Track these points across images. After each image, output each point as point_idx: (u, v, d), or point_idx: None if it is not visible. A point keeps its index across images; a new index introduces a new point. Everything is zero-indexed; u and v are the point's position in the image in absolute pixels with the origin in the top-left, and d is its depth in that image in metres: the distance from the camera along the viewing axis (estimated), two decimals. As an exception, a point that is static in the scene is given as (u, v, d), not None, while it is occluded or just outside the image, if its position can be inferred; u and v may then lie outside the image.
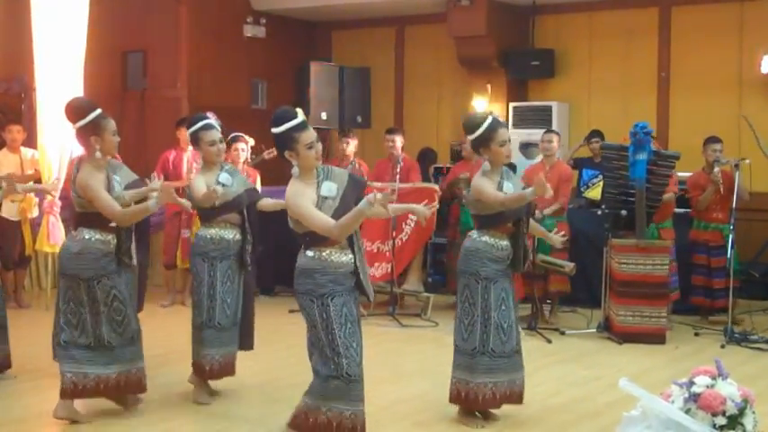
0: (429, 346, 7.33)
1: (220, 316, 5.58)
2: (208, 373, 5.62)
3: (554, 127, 9.94)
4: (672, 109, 10.73)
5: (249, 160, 8.68)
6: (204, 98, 11.02)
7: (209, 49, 11.34)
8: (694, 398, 3.60)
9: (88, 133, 5.10)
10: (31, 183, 8.57)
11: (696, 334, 7.89)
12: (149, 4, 11.27)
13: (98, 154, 5.11)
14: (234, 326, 5.69)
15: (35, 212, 8.70)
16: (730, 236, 7.57)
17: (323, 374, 4.31)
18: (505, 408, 5.26)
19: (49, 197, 8.07)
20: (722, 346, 7.30)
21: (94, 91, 8.64)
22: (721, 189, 8.01)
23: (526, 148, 10.69)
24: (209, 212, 5.61)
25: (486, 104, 11.20)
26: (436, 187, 8.68)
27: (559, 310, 8.55)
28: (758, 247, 9.28)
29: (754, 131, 8.56)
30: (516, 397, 5.22)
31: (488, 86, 11.31)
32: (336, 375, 4.27)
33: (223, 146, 5.77)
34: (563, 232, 5.73)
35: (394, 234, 8.56)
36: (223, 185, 5.52)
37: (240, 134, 8.35)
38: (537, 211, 7.49)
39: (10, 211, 8.54)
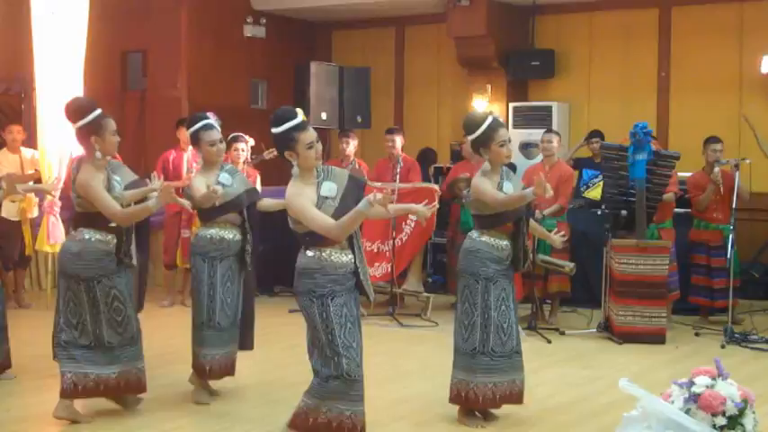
0: (429, 346, 7.32)
1: (220, 316, 5.57)
2: (208, 373, 5.62)
3: (554, 127, 9.94)
4: (672, 109, 10.74)
5: (249, 160, 8.68)
6: (204, 98, 11.01)
7: (209, 49, 11.34)
8: (694, 398, 3.60)
9: (88, 133, 5.09)
10: (31, 183, 8.58)
11: (696, 334, 7.89)
12: (149, 4, 11.27)
13: (98, 154, 5.10)
14: (234, 326, 5.68)
15: (35, 212, 8.70)
16: (730, 236, 7.57)
17: (323, 374, 4.31)
18: (505, 408, 5.26)
19: (48, 197, 8.07)
20: (722, 347, 7.30)
21: (94, 91, 8.63)
22: (721, 189, 8.01)
23: (526, 148, 10.69)
24: (209, 212, 5.60)
25: (486, 105, 11.20)
26: (436, 187, 8.66)
27: (559, 311, 8.55)
28: (759, 247, 9.28)
29: (754, 130, 8.56)
30: (516, 397, 5.22)
31: (488, 87, 11.30)
32: (336, 375, 4.27)
33: (223, 146, 5.76)
34: (563, 232, 5.72)
35: (394, 234, 8.56)
36: (223, 185, 5.51)
37: (240, 134, 8.36)
38: (537, 212, 7.51)
39: (10, 212, 8.54)
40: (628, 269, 7.53)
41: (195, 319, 5.64)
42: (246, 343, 5.87)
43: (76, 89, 8.02)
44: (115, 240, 5.17)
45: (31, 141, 8.89)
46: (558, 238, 5.59)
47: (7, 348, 6.17)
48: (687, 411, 3.60)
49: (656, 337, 7.46)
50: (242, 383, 5.89)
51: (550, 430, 5.23)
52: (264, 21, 11.91)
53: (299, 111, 4.41)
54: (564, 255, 7.91)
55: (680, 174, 8.27)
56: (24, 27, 8.45)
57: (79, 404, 5.25)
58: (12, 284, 8.81)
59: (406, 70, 12.48)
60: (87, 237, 5.12)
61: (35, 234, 8.53)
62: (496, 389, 5.12)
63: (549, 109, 10.91)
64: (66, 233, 8.00)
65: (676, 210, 8.32)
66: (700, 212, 8.28)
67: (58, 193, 7.97)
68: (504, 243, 5.18)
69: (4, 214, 8.52)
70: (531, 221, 5.49)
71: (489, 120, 5.16)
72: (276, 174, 8.40)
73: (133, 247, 5.31)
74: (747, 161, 8.12)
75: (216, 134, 5.67)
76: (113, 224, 5.11)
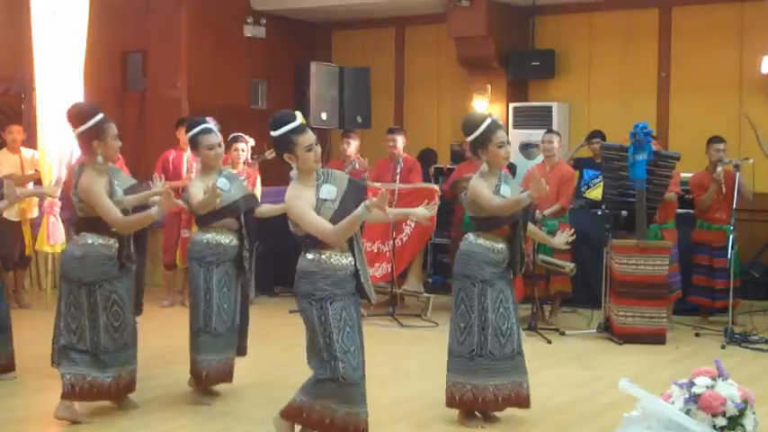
0: (429, 346, 7.32)
1: (217, 322, 5.54)
2: (205, 379, 5.57)
3: (554, 127, 9.93)
4: (672, 109, 10.73)
5: (249, 160, 8.68)
6: (204, 98, 11.01)
7: (209, 49, 11.33)
8: (694, 398, 3.60)
9: (90, 138, 5.10)
10: (31, 184, 8.58)
11: (696, 334, 7.89)
12: (149, 4, 11.27)
13: (100, 159, 5.11)
14: (231, 332, 5.65)
15: (35, 212, 8.70)
16: (731, 236, 7.56)
17: (319, 376, 4.33)
18: (506, 409, 5.25)
19: (49, 198, 8.07)
20: (722, 347, 7.30)
21: (94, 91, 8.64)
22: (723, 189, 8.01)
23: (526, 148, 10.68)
24: (206, 217, 5.58)
25: (486, 105, 11.19)
26: (436, 187, 8.68)
27: (559, 311, 8.54)
28: (759, 247, 9.27)
29: (755, 129, 8.54)
30: (522, 401, 5.18)
31: (489, 87, 11.30)
32: (332, 378, 4.29)
33: (221, 150, 5.76)
34: (571, 231, 5.69)
35: (394, 234, 8.56)
36: (221, 191, 5.49)
37: (240, 134, 8.36)
38: (537, 212, 7.50)
39: (10, 212, 8.52)
40: (628, 269, 7.52)
41: (192, 325, 5.61)
42: (240, 349, 5.83)
43: (76, 89, 8.02)
44: (117, 245, 5.18)
45: (31, 141, 8.89)
46: (561, 239, 5.58)
47: (11, 350, 6.17)
48: (687, 412, 3.59)
49: (657, 338, 7.46)
50: (242, 383, 5.89)
51: (551, 430, 5.22)
52: (264, 21, 11.90)
53: (298, 114, 4.42)
54: (564, 255, 7.91)
55: (682, 174, 8.27)
56: (24, 27, 8.45)
57: (79, 404, 5.24)
58: (12, 284, 8.80)
59: (406, 70, 12.48)
60: (90, 241, 5.13)
61: (35, 234, 8.53)
62: (498, 391, 5.10)
63: (549, 109, 10.90)
64: (66, 234, 8.03)
65: (679, 210, 8.31)
66: (702, 213, 8.28)
67: (58, 194, 7.96)
68: (501, 246, 5.16)
69: (4, 214, 8.52)
70: (531, 226, 5.49)
71: (488, 121, 5.15)
72: (276, 174, 8.40)
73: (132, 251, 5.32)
74: (750, 161, 8.13)
75: (214, 138, 5.66)
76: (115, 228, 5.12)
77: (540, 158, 9.04)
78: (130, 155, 9.49)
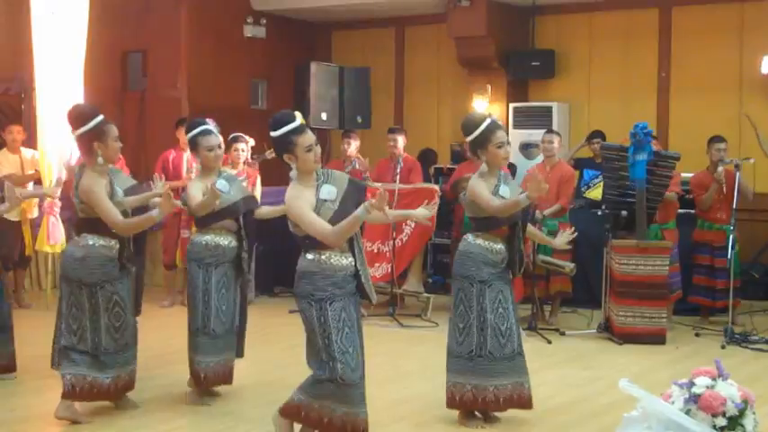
0: (429, 346, 7.31)
1: (215, 323, 5.52)
2: (203, 380, 5.55)
3: (554, 127, 9.93)
4: (672, 109, 10.73)
5: (249, 160, 8.68)
6: (204, 98, 11.01)
7: (209, 49, 11.33)
8: (694, 399, 3.60)
9: (91, 139, 5.11)
10: (31, 184, 8.58)
11: (696, 334, 7.89)
12: (149, 4, 11.27)
13: (100, 160, 5.11)
14: (230, 334, 5.64)
15: (35, 213, 8.70)
16: (731, 236, 7.56)
17: (317, 376, 4.34)
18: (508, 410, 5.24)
19: (49, 198, 8.07)
20: (723, 347, 7.29)
21: (94, 91, 8.64)
22: (724, 188, 8.00)
23: (526, 148, 10.68)
24: (205, 218, 5.57)
25: (486, 105, 11.19)
26: (436, 187, 8.68)
27: (560, 311, 8.54)
28: (759, 248, 9.27)
29: (755, 128, 8.53)
30: (525, 402, 5.17)
31: (489, 87, 11.30)
32: (330, 379, 4.29)
33: (221, 151, 5.75)
34: (572, 229, 5.67)
35: (394, 235, 8.56)
36: (220, 192, 5.47)
37: (240, 134, 8.35)
38: (537, 212, 7.49)
39: (10, 212, 8.53)
40: (628, 270, 7.52)
41: (190, 326, 5.59)
42: (237, 351, 5.82)
43: (76, 89, 8.01)
44: (118, 246, 5.19)
45: (31, 141, 8.89)
46: (562, 239, 5.56)
47: (12, 350, 6.17)
48: (687, 412, 3.59)
49: (657, 338, 7.45)
50: (242, 383, 5.88)
51: (551, 431, 5.22)
52: (264, 21, 11.90)
53: (298, 114, 4.42)
54: (564, 255, 7.91)
55: (683, 174, 8.27)
56: (24, 27, 8.44)
57: (79, 404, 5.25)
58: (12, 284, 8.80)
59: (406, 70, 12.47)
60: (91, 242, 5.14)
61: (35, 234, 8.52)
62: (499, 392, 5.09)
63: (549, 109, 10.90)
64: (66, 234, 8.03)
65: (680, 210, 8.31)
66: (703, 213, 8.28)
67: (58, 194, 7.96)
68: (499, 246, 5.15)
69: (4, 214, 8.51)
70: (531, 227, 5.48)
71: (487, 121, 5.15)
72: (276, 174, 8.40)
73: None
74: (751, 161, 8.13)
75: (214, 140, 5.66)
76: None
77: (540, 158, 9.04)
78: (130, 155, 9.48)
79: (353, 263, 4.39)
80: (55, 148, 8.18)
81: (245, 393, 5.83)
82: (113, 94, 11.29)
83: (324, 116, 10.59)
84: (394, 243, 8.55)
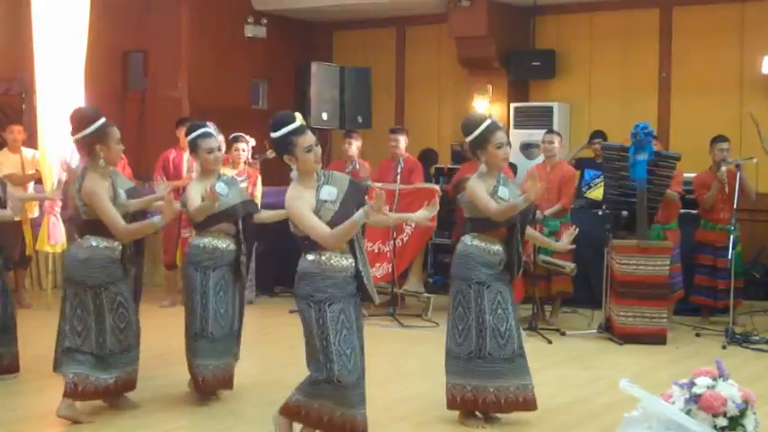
0: (430, 346, 7.31)
1: (213, 326, 5.49)
2: (201, 384, 5.52)
3: (555, 127, 9.93)
4: (672, 109, 10.72)
5: (250, 160, 8.68)
6: (205, 98, 11.02)
7: (209, 49, 11.33)
8: (695, 399, 3.60)
9: (93, 142, 5.13)
10: (32, 184, 8.58)
11: (697, 335, 7.88)
12: (150, 4, 11.27)
13: (102, 162, 5.12)
14: (229, 337, 5.60)
15: (36, 212, 8.70)
16: (731, 236, 7.55)
17: (314, 377, 4.35)
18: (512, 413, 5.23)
19: (46, 188, 8.06)
20: (723, 347, 7.29)
21: (95, 91, 8.64)
22: (726, 188, 7.99)
23: (527, 148, 10.68)
24: (203, 221, 5.54)
25: (487, 105, 11.20)
26: (437, 188, 8.67)
27: (560, 311, 8.54)
28: (758, 248, 9.26)
29: (757, 126, 8.51)
30: (530, 404, 5.14)
31: (489, 87, 11.30)
32: (327, 380, 4.30)
33: (221, 154, 5.75)
34: (573, 228, 5.65)
35: (395, 235, 8.55)
36: (219, 195, 5.45)
37: (241, 134, 8.35)
38: (538, 212, 7.49)
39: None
40: (628, 270, 7.52)
41: (188, 330, 5.57)
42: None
43: (77, 89, 8.02)
44: (121, 247, 5.19)
45: (31, 141, 8.90)
46: (564, 242, 5.54)
47: (16, 351, 6.17)
48: (688, 412, 3.59)
49: (657, 338, 7.45)
50: (242, 383, 5.88)
51: (551, 431, 5.22)
52: (265, 21, 11.91)
53: (298, 115, 4.43)
54: (565, 255, 7.90)
55: (685, 174, 8.26)
56: (24, 27, 8.44)
57: (80, 404, 5.25)
58: (12, 284, 8.80)
59: (406, 70, 12.48)
60: (94, 244, 5.15)
61: (36, 234, 8.52)
62: (500, 393, 5.08)
63: (549, 109, 10.90)
64: (67, 234, 8.03)
65: (682, 210, 8.30)
66: (706, 213, 8.27)
67: (60, 197, 7.96)
68: (497, 248, 5.13)
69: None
70: (532, 231, 5.47)
71: (487, 122, 5.15)
72: (277, 174, 8.40)
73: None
74: (754, 160, 8.12)
75: (214, 142, 5.65)
76: None
77: (540, 158, 9.04)
78: (131, 155, 9.47)
79: (354, 264, 4.39)
80: (55, 148, 8.19)
81: (245, 393, 5.83)
82: (114, 94, 11.30)
83: (324, 116, 10.59)
84: (394, 243, 8.55)
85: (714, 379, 3.66)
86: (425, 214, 4.78)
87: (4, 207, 6.22)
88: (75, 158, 7.53)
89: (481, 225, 5.15)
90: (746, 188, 8.05)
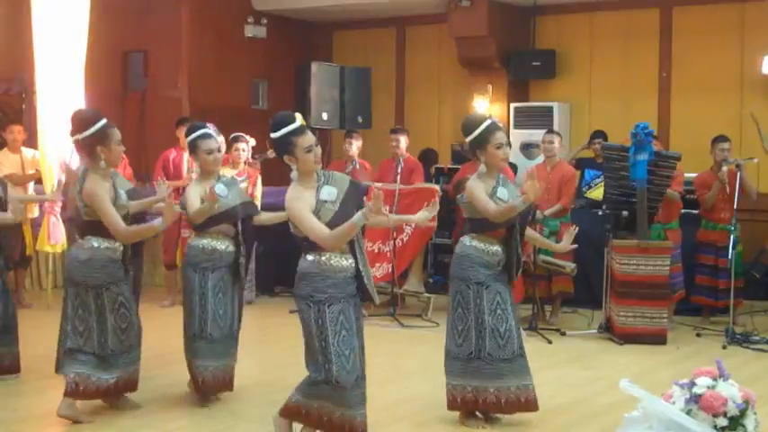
0: (430, 346, 7.30)
1: (212, 327, 5.48)
2: (201, 385, 5.51)
3: (555, 127, 9.93)
4: (673, 109, 10.73)
5: (251, 160, 8.68)
6: (205, 98, 11.02)
7: (209, 49, 11.33)
8: (695, 399, 3.60)
9: (94, 143, 5.13)
10: (32, 185, 8.57)
11: (697, 335, 7.88)
12: (150, 4, 11.27)
13: (103, 164, 5.13)
14: (229, 339, 5.58)
15: (36, 212, 8.70)
16: (731, 236, 7.55)
17: (313, 378, 4.35)
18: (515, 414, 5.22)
19: (47, 191, 8.06)
20: (723, 347, 7.29)
21: (95, 91, 8.63)
22: (727, 189, 7.99)
23: (527, 148, 10.68)
24: (202, 222, 5.55)
25: (487, 105, 11.20)
26: (437, 187, 8.67)
27: (560, 311, 8.54)
28: (758, 249, 9.25)
29: (758, 125, 8.51)
30: (531, 404, 5.13)
31: (489, 87, 11.30)
32: (326, 381, 4.30)
33: (220, 155, 5.74)
34: (573, 227, 5.64)
35: (395, 234, 8.55)
36: (218, 196, 5.44)
37: (241, 134, 8.35)
38: (538, 212, 7.49)
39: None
40: (629, 270, 7.52)
41: (187, 331, 5.56)
42: None
43: (77, 90, 8.00)
44: (122, 248, 5.20)
45: (31, 141, 8.90)
46: (565, 243, 5.53)
47: (17, 351, 6.17)
48: (688, 412, 3.59)
49: (657, 338, 7.45)
50: (242, 383, 5.88)
51: (551, 431, 5.21)
52: (265, 21, 11.91)
53: (298, 115, 4.43)
54: (566, 255, 7.89)
55: (687, 174, 8.26)
56: (24, 27, 8.44)
57: (81, 403, 5.25)
58: (12, 284, 8.79)
59: (407, 70, 12.48)
60: (96, 245, 5.15)
61: (36, 234, 8.52)
62: (501, 394, 5.07)
63: (550, 109, 10.91)
64: (67, 235, 8.02)
65: (684, 210, 8.30)
66: (708, 213, 8.27)
67: (60, 199, 7.96)
68: (495, 248, 5.13)
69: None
70: (533, 233, 5.46)
71: (487, 122, 5.15)
72: (277, 174, 8.39)
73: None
74: (755, 160, 8.12)
75: (213, 143, 5.64)
76: None
77: (540, 158, 9.04)
78: (131, 155, 9.46)
79: (354, 264, 4.39)
80: (55, 149, 8.18)
81: (245, 393, 5.82)
82: (114, 94, 11.30)
83: (325, 116, 10.59)
84: (395, 243, 8.55)
85: (714, 379, 3.66)
86: (425, 215, 4.78)
87: (5, 207, 6.23)
88: (74, 160, 7.51)
89: (480, 226, 5.14)
90: (747, 188, 8.05)
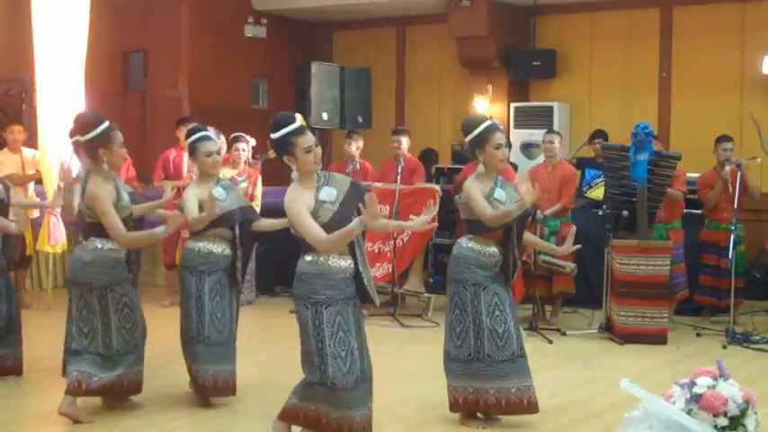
0: (430, 346, 7.28)
1: (210, 330, 5.46)
2: (202, 388, 5.49)
3: (555, 127, 9.94)
4: (673, 109, 10.73)
5: (251, 160, 8.68)
6: (205, 99, 11.02)
7: (209, 49, 11.34)
8: (696, 399, 3.60)
9: (97, 146, 5.14)
10: (32, 185, 8.56)
11: (698, 334, 7.88)
12: (150, 4, 11.28)
13: (105, 166, 5.14)
14: (228, 343, 5.55)
15: (36, 212, 8.69)
16: (732, 235, 7.55)
17: (308, 379, 4.35)
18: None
19: (49, 197, 8.06)
20: (724, 347, 7.28)
21: (95, 92, 8.64)
22: (730, 188, 7.99)
23: (527, 148, 10.68)
24: None
25: (487, 105, 11.20)
26: (437, 188, 8.67)
27: (560, 311, 8.53)
28: (758, 249, 9.25)
29: (757, 125, 8.51)
30: (532, 406, 5.11)
31: (490, 87, 11.31)
32: (321, 382, 4.30)
33: (220, 158, 5.73)
34: (572, 228, 5.62)
35: (395, 234, 8.55)
36: (216, 200, 5.42)
37: (241, 134, 8.35)
38: (538, 212, 7.49)
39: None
40: (629, 270, 7.52)
41: (185, 335, 5.55)
42: None
43: (77, 90, 8.01)
44: (126, 249, 5.19)
45: (31, 141, 8.90)
46: (567, 243, 5.52)
47: (20, 352, 6.17)
48: (689, 412, 3.59)
49: (658, 338, 7.45)
50: (242, 383, 5.86)
51: (552, 431, 5.21)
52: (265, 21, 11.91)
53: (298, 115, 4.43)
54: (566, 255, 7.89)
55: (689, 174, 8.25)
56: (24, 27, 8.44)
57: (81, 403, 5.24)
58: (12, 284, 8.78)
59: (407, 70, 12.48)
60: (99, 246, 5.16)
61: (36, 234, 8.52)
62: (501, 395, 5.06)
63: (550, 109, 10.91)
64: (68, 235, 8.03)
65: (687, 210, 8.30)
66: (711, 213, 8.27)
67: (60, 203, 7.95)
68: (492, 249, 5.11)
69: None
70: (532, 236, 5.45)
71: (487, 122, 5.15)
72: (277, 174, 8.39)
73: None
74: (758, 160, 8.12)
75: (213, 146, 5.64)
76: None
77: (540, 158, 9.03)
78: (131, 155, 9.44)
79: (353, 265, 4.38)
80: (55, 149, 8.18)
81: (246, 393, 5.82)
82: (114, 94, 11.31)
83: (325, 116, 10.59)
84: (395, 243, 8.55)
85: (715, 379, 3.66)
86: (424, 219, 4.76)
87: (7, 209, 6.23)
88: (74, 164, 7.50)
89: (477, 227, 5.13)
90: (750, 188, 8.05)
